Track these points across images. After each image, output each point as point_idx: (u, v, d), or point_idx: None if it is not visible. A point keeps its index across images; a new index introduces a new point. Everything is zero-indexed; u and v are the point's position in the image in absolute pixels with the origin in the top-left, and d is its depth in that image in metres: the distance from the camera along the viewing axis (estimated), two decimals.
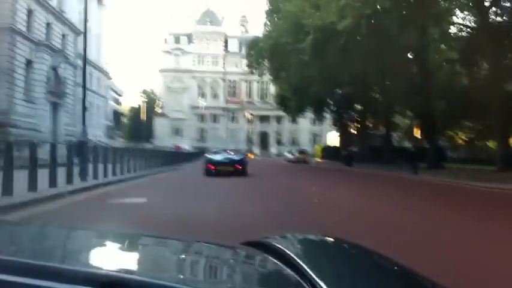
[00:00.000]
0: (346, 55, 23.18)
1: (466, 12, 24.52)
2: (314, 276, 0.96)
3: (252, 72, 35.32)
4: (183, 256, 1.30)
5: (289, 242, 1.40)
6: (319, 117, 51.64)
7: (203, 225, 5.84)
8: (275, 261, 1.12)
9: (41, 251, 1.18)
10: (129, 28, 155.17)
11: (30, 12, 29.39)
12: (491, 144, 31.71)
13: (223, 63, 75.52)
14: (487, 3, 22.41)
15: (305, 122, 73.75)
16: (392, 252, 1.49)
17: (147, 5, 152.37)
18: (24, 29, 28.67)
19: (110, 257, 1.14)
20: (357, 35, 22.19)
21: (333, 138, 58.56)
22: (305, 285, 0.94)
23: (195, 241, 1.42)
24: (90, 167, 13.06)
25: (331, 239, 1.53)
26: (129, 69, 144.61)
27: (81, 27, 42.33)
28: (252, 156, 60.19)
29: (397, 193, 12.87)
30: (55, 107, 31.33)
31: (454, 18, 25.49)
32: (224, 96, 75.48)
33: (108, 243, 1.37)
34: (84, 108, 14.54)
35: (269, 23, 37.97)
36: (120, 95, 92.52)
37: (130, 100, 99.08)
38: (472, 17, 24.29)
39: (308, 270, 0.99)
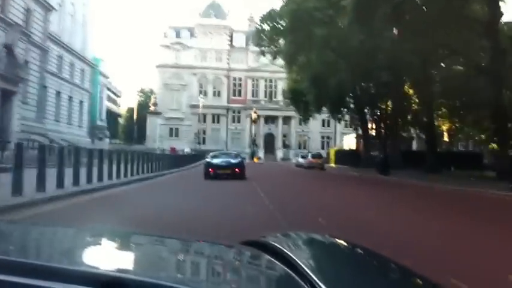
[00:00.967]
0: (397, 24, 17.15)
1: None
2: (313, 276, 0.96)
3: (262, 53, 28.59)
4: (183, 255, 1.31)
5: (288, 241, 1.42)
6: (337, 117, 45.22)
7: None
8: (274, 260, 1.12)
9: (41, 250, 1.21)
10: (126, 21, 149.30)
11: None
12: None
13: (228, 59, 69.49)
14: None
15: (315, 124, 67.76)
16: None
17: None
18: None
19: (110, 257, 1.15)
20: None
21: (349, 141, 52.20)
22: (304, 284, 0.94)
23: (194, 240, 1.48)
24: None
25: (331, 239, 1.55)
26: (127, 68, 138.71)
27: (56, 3, 36.63)
28: (257, 161, 54.11)
29: None
30: (6, 95, 25.22)
31: None
32: (227, 94, 69.38)
33: (108, 242, 1.39)
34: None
35: None
36: (118, 96, 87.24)
37: (130, 101, 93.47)
38: None
39: (307, 269, 1.00)
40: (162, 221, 6.67)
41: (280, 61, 70.59)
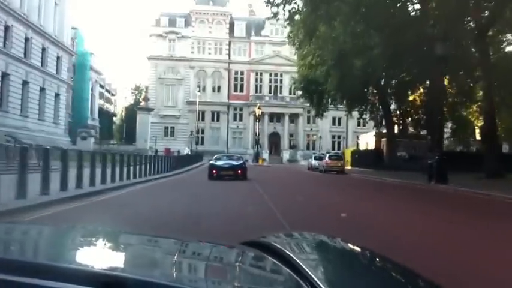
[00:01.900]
0: None
1: None
2: (313, 276, 0.96)
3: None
4: (183, 256, 1.31)
5: (288, 241, 1.44)
6: (359, 110, 38.58)
7: None
8: (274, 260, 1.13)
9: (41, 250, 1.22)
10: (114, 8, 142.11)
11: None
12: None
13: (228, 51, 62.92)
14: None
15: (324, 122, 61.55)
16: None
17: None
18: None
19: (110, 257, 1.17)
20: None
21: (367, 141, 45.60)
22: (304, 284, 0.94)
23: (194, 241, 1.48)
24: None
25: (331, 239, 1.54)
26: (121, 64, 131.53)
27: None
28: (261, 163, 47.59)
29: None
30: None
31: None
32: (228, 89, 62.82)
33: (108, 242, 1.38)
34: None
35: None
36: (112, 94, 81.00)
37: (127, 100, 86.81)
38: None
39: (307, 269, 1.01)
40: None
41: (286, 51, 64.70)
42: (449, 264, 4.56)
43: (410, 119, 38.39)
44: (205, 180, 19.41)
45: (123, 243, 1.40)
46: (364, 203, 12.08)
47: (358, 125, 63.86)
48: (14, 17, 30.39)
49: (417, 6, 23.16)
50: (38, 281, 0.80)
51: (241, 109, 62.86)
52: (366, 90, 31.60)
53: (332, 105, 40.48)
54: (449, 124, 38.78)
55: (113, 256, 1.20)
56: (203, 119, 61.18)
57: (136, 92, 78.40)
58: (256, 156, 50.69)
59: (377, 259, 1.34)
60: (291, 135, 63.06)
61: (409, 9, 23.21)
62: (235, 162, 21.17)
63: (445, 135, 39.89)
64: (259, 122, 52.08)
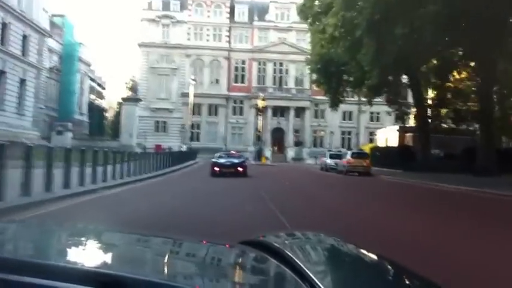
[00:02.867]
0: None
1: None
2: (312, 276, 0.96)
3: None
4: (183, 255, 1.33)
5: (287, 240, 1.44)
6: (389, 98, 32.66)
7: None
8: (273, 260, 1.13)
9: (41, 249, 1.22)
10: None
11: None
12: None
13: (228, 37, 56.87)
14: None
15: (333, 117, 55.73)
16: None
17: None
18: None
19: (109, 256, 1.19)
20: None
21: (387, 136, 39.55)
22: (303, 284, 0.94)
23: (194, 240, 1.48)
24: None
25: (331, 238, 1.52)
26: (113, 57, 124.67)
27: None
28: (264, 162, 41.76)
29: None
30: None
31: None
32: (227, 80, 56.80)
33: (108, 242, 1.39)
34: None
35: None
36: (104, 88, 75.49)
37: (121, 94, 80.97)
38: None
39: (306, 269, 1.01)
40: None
41: (292, 38, 58.68)
42: None
43: (446, 109, 32.30)
44: (193, 190, 13.99)
45: (121, 242, 1.39)
46: (454, 235, 6.19)
47: (371, 119, 58.12)
48: None
49: None
50: (37, 280, 0.80)
51: (241, 102, 56.86)
52: (397, 71, 25.53)
53: (353, 91, 34.17)
54: None
55: (113, 255, 1.20)
56: (199, 113, 55.25)
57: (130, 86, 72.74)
58: (259, 154, 44.79)
59: (378, 260, 1.32)
60: (296, 131, 57.04)
61: None
62: (236, 160, 22.52)
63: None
64: (262, 114, 46.11)
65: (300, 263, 1.05)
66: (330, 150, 37.85)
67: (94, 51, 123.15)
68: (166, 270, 1.10)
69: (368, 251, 1.36)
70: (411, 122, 36.71)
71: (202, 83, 55.67)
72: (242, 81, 57.27)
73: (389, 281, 1.21)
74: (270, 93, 54.28)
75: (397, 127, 38.06)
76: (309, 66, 32.70)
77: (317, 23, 28.76)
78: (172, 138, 51.90)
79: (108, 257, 1.16)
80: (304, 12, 29.30)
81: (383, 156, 34.38)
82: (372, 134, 58.02)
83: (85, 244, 1.32)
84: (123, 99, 41.71)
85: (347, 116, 57.60)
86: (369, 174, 26.27)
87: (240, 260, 1.27)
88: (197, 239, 1.49)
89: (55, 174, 10.37)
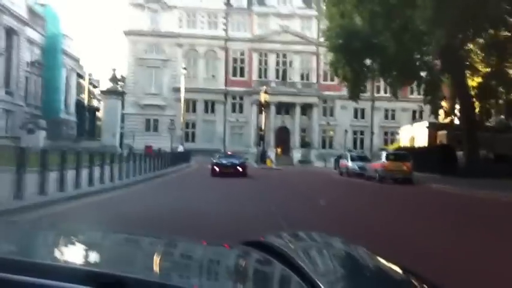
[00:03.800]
0: None
1: None
2: (313, 276, 0.97)
3: None
4: (183, 255, 1.31)
5: (289, 240, 1.43)
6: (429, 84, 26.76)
7: None
8: (274, 260, 1.12)
9: (39, 249, 1.21)
10: None
11: None
12: None
13: (225, 25, 50.74)
14: None
15: (344, 115, 50.10)
16: None
17: None
18: None
19: (109, 257, 1.18)
20: None
21: (414, 134, 33.36)
22: (304, 284, 0.94)
23: (194, 240, 1.47)
24: None
25: (332, 238, 1.53)
26: (107, 52, 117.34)
27: None
28: (270, 165, 35.99)
29: None
30: None
31: None
32: (225, 74, 50.69)
33: (107, 243, 1.38)
34: None
35: None
36: (95, 86, 69.61)
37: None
38: None
39: (308, 270, 1.01)
40: None
41: (296, 26, 52.59)
42: None
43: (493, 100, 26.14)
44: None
45: (121, 243, 1.38)
46: None
47: (386, 117, 52.19)
48: None
49: None
50: (37, 279, 0.80)
51: (241, 98, 50.69)
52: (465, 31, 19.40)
53: (381, 75, 27.77)
54: None
55: (113, 256, 1.19)
56: (194, 110, 49.18)
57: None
58: (262, 156, 38.59)
59: (377, 259, 1.30)
60: (303, 131, 50.92)
61: None
62: (236, 161, 22.73)
63: None
64: (265, 110, 39.98)
65: (301, 264, 1.04)
66: (350, 151, 31.73)
67: (84, 46, 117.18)
68: (166, 271, 1.09)
69: (373, 253, 1.33)
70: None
71: (196, 76, 49.71)
72: (241, 75, 51.16)
73: (392, 282, 1.16)
74: (273, 88, 47.93)
75: (425, 123, 31.93)
76: (330, 41, 26.42)
77: None
78: (165, 138, 45.65)
79: (108, 257, 1.14)
80: None
81: (414, 158, 28.06)
82: (386, 133, 52.17)
83: (84, 244, 1.30)
84: (103, 92, 35.41)
85: (359, 113, 51.64)
86: (410, 182, 20.27)
87: (240, 261, 1.26)
88: (197, 239, 1.45)
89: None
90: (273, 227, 6.85)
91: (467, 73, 25.28)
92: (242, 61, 51.30)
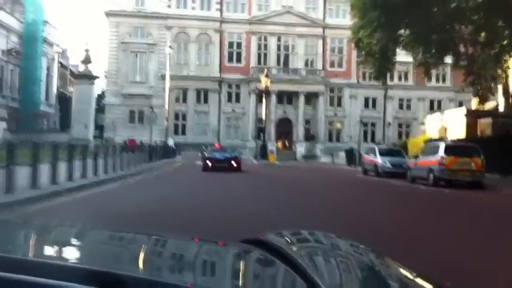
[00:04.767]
0: None
1: None
2: (313, 274, 0.97)
3: None
4: (182, 254, 1.31)
5: (288, 239, 1.41)
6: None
7: None
8: (274, 259, 1.12)
9: (39, 248, 1.21)
10: None
11: None
12: None
13: (220, 5, 45.39)
14: None
15: (353, 104, 45.09)
16: None
17: None
18: None
19: (109, 255, 1.18)
20: None
21: (445, 125, 27.91)
22: (304, 283, 0.95)
23: (194, 239, 1.44)
24: None
25: (332, 237, 1.51)
26: (93, 42, 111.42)
27: None
28: (273, 160, 30.94)
29: None
30: None
31: None
32: (219, 59, 45.39)
33: (107, 241, 1.37)
34: None
35: None
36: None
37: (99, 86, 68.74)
38: None
39: (307, 268, 1.01)
40: None
41: (300, 6, 47.28)
42: None
43: None
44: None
45: (121, 241, 1.38)
46: None
47: (400, 107, 47.17)
48: None
49: None
50: (37, 279, 0.80)
51: (238, 86, 45.61)
52: None
53: (418, 45, 22.33)
54: None
55: (111, 254, 1.19)
56: (185, 100, 43.97)
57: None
58: (263, 151, 33.22)
59: (378, 258, 1.30)
60: (307, 122, 45.72)
61: None
62: (229, 155, 21.68)
63: None
64: (266, 97, 34.64)
65: (301, 262, 1.04)
66: (379, 144, 26.43)
67: (68, 35, 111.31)
68: (165, 269, 1.09)
69: (374, 250, 1.32)
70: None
71: (187, 62, 44.87)
72: (238, 61, 46.10)
73: (393, 281, 1.15)
74: (274, 75, 42.57)
75: (463, 110, 26.55)
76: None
77: None
78: (154, 131, 40.46)
79: (107, 256, 1.14)
80: None
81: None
82: (400, 125, 47.09)
83: (83, 242, 1.30)
84: (73, 75, 29.94)
85: (370, 103, 46.49)
86: (479, 186, 14.98)
87: (240, 259, 1.25)
88: (192, 237, 1.45)
89: None
90: None
91: None
92: (239, 45, 46.42)
